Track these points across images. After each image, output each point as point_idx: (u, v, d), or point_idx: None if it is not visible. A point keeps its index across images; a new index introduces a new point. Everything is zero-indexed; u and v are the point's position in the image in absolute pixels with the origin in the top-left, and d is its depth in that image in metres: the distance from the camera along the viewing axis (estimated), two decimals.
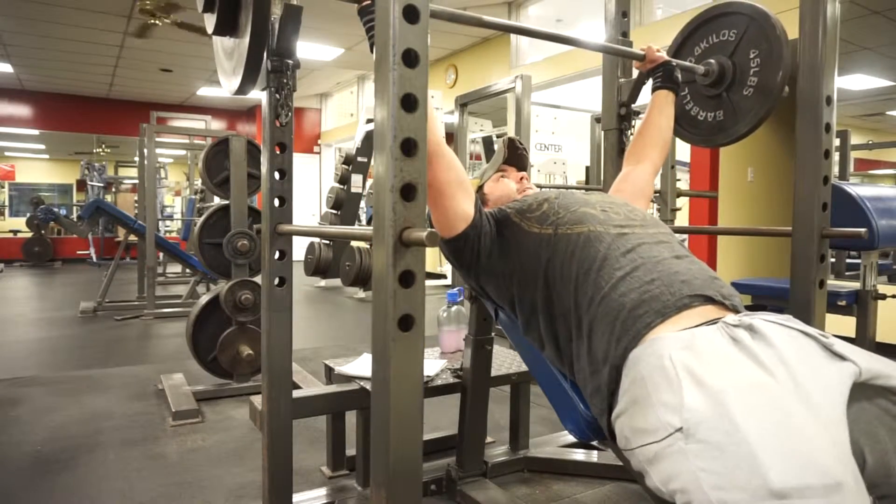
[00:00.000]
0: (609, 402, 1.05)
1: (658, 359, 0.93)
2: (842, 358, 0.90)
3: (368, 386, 1.56)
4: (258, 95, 1.35)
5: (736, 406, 0.81)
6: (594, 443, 2.25)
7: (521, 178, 1.56)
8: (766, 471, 0.75)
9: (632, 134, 1.90)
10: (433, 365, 2.09)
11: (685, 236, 4.84)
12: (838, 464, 0.76)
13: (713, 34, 1.77)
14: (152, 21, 5.80)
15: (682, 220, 5.17)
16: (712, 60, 1.73)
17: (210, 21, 0.95)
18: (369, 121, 6.84)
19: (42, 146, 14.05)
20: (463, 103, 4.20)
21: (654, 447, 0.89)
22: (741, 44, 1.68)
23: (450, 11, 1.20)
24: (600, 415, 1.09)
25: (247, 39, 0.90)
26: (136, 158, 7.57)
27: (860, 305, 2.68)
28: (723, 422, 0.81)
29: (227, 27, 0.94)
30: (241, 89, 0.97)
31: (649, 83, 1.74)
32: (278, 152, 1.38)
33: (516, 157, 1.60)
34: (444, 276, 7.97)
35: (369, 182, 7.17)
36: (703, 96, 1.81)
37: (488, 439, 2.27)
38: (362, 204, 7.73)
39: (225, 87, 1.05)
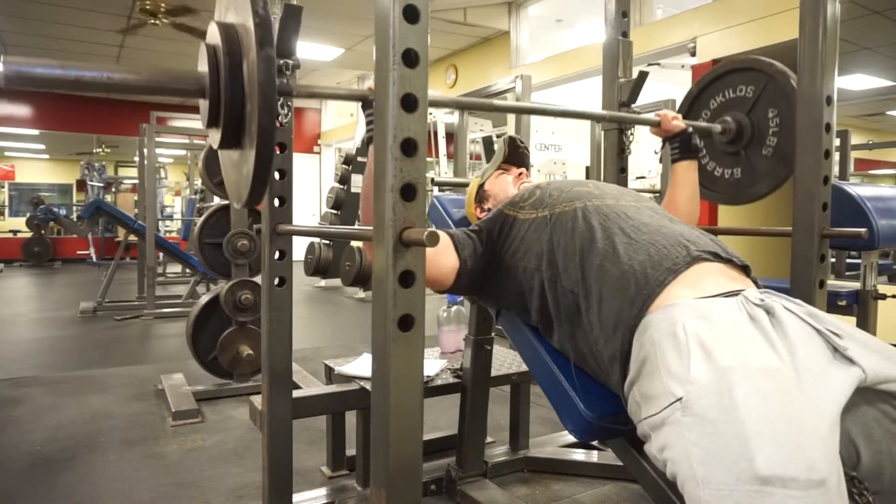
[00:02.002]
0: (623, 368, 1.03)
1: (671, 325, 0.92)
2: (850, 362, 0.89)
3: (368, 386, 1.56)
4: None
5: (740, 386, 0.80)
6: (594, 443, 2.25)
7: (520, 174, 1.57)
8: (754, 455, 0.75)
9: (632, 134, 1.90)
10: (433, 365, 2.09)
11: None
12: (827, 463, 0.76)
13: (729, 89, 1.74)
14: (152, 21, 5.80)
15: None
16: (729, 118, 1.71)
17: (215, 137, 0.92)
18: None
19: (42, 146, 14.03)
20: None
21: (657, 414, 0.88)
22: (759, 101, 1.66)
23: (456, 101, 1.21)
24: (616, 385, 1.07)
25: (251, 164, 0.87)
26: (136, 158, 7.56)
27: (860, 305, 2.68)
28: (723, 399, 0.80)
29: (232, 142, 0.92)
30: (248, 204, 0.95)
31: (650, 82, 1.73)
32: (278, 152, 1.38)
33: (517, 155, 1.60)
34: None
35: None
36: (721, 152, 1.78)
37: (488, 439, 2.27)
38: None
39: (231, 198, 1.03)
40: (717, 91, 1.79)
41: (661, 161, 4.37)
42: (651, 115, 1.61)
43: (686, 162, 1.58)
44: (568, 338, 1.20)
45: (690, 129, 1.58)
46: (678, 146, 1.59)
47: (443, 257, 1.25)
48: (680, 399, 0.84)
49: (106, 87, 0.81)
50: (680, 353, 0.88)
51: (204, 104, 0.88)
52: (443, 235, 1.27)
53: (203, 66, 0.86)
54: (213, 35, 0.88)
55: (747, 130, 1.68)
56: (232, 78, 0.84)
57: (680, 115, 1.63)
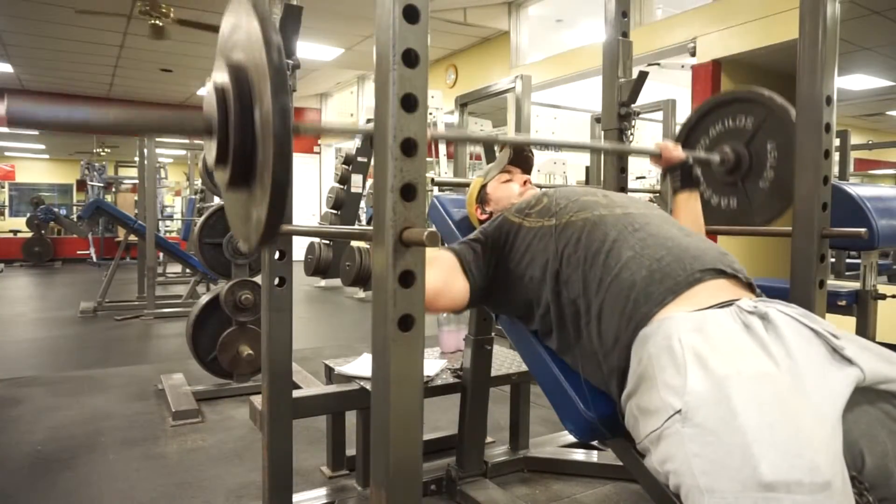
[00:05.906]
0: (621, 383, 1.04)
1: (667, 339, 0.93)
2: (849, 362, 0.89)
3: (368, 386, 1.56)
4: None
5: (737, 394, 0.81)
6: (594, 443, 2.25)
7: (525, 182, 1.56)
8: (757, 462, 0.75)
9: (632, 134, 1.90)
10: (433, 365, 2.09)
11: None
12: (830, 465, 0.76)
13: (728, 118, 1.74)
14: (153, 21, 5.80)
15: None
16: (727, 149, 1.71)
17: (222, 176, 0.88)
18: (369, 121, 6.84)
19: (42, 146, 14.04)
20: (463, 103, 4.19)
21: (656, 428, 0.88)
22: (758, 133, 1.66)
23: (456, 136, 1.20)
24: (615, 397, 1.09)
25: (265, 209, 0.82)
26: (136, 158, 7.56)
27: (860, 305, 2.68)
28: (721, 408, 0.81)
29: (240, 184, 0.88)
30: (256, 249, 0.93)
31: (650, 82, 1.73)
32: None
33: (522, 158, 1.60)
34: None
35: (369, 182, 7.17)
36: (718, 182, 1.77)
37: (488, 439, 2.26)
38: (362, 204, 7.72)
39: (240, 241, 0.98)
40: (715, 120, 1.78)
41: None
42: (652, 147, 1.62)
43: (687, 192, 1.58)
44: (567, 347, 1.21)
45: (690, 161, 1.59)
46: (679, 176, 1.59)
47: (454, 284, 1.23)
48: (679, 411, 0.84)
49: (114, 129, 0.80)
50: (677, 366, 0.88)
51: (212, 143, 0.86)
52: (448, 257, 1.25)
53: (211, 106, 0.84)
54: (221, 77, 0.85)
55: (745, 161, 1.68)
56: (243, 123, 0.81)
57: (679, 145, 1.63)
